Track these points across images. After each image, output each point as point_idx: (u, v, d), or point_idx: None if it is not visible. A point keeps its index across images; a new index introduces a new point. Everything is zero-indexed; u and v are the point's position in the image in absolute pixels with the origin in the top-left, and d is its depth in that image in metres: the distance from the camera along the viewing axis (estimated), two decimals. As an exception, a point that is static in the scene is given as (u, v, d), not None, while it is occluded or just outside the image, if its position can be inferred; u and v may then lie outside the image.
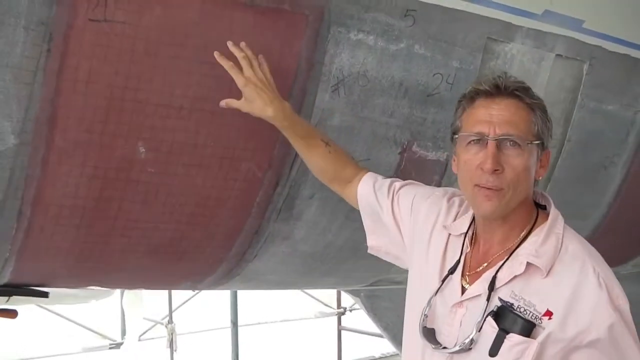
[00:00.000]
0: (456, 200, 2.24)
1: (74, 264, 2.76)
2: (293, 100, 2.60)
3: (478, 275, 1.99)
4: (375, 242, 2.53)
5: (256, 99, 2.35)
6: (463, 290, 2.00)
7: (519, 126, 1.91)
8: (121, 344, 8.55)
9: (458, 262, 2.06)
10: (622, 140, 3.94)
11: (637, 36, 3.68)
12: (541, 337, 1.82)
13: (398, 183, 2.44)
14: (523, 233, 1.97)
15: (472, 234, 2.09)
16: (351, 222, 3.06)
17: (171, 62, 2.39)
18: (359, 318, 7.80)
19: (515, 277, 1.90)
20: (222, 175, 2.67)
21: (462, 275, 2.03)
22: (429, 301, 2.06)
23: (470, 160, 1.94)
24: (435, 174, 3.16)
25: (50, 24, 2.17)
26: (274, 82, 2.45)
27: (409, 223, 2.32)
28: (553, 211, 2.01)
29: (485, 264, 1.99)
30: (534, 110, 1.96)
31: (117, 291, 7.52)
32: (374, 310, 4.63)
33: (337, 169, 2.52)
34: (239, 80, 2.35)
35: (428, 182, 3.08)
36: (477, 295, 1.95)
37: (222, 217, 2.81)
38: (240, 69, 2.36)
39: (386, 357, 9.95)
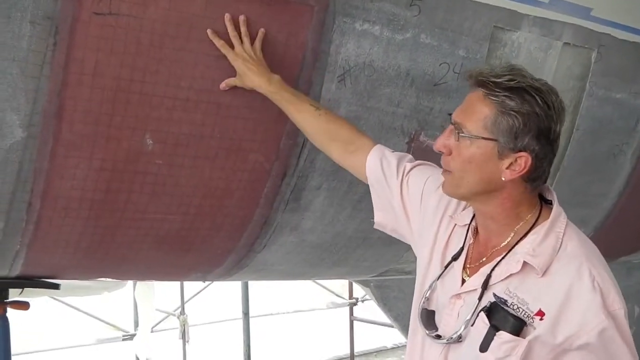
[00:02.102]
0: None
1: (84, 256, 2.78)
2: (299, 90, 2.60)
3: (477, 268, 1.98)
4: (382, 219, 2.49)
5: (245, 72, 2.42)
6: (463, 281, 2.00)
7: (471, 118, 1.88)
8: (134, 335, 8.58)
9: (461, 250, 2.06)
10: (632, 129, 3.93)
11: (645, 23, 3.67)
12: (531, 336, 1.80)
13: (409, 164, 2.38)
14: (521, 229, 1.94)
15: (475, 225, 2.07)
16: (359, 212, 3.07)
17: (177, 54, 2.40)
18: (371, 308, 7.80)
19: (511, 275, 1.88)
20: (230, 167, 2.69)
21: (464, 267, 2.03)
22: (431, 285, 2.08)
23: None
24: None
25: (56, 18, 2.18)
26: (281, 73, 2.47)
27: (419, 212, 2.29)
28: (556, 208, 1.95)
29: (484, 258, 1.98)
30: (496, 106, 1.86)
31: (130, 283, 7.55)
32: (384, 301, 4.64)
33: (330, 129, 2.46)
34: (229, 56, 2.43)
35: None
36: (473, 290, 1.94)
37: (230, 208, 2.82)
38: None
39: (398, 347, 9.96)
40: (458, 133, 1.90)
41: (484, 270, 1.94)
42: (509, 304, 1.85)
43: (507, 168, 1.87)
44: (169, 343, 9.15)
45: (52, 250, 2.68)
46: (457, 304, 1.98)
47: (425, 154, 3.03)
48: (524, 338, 1.81)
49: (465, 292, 1.97)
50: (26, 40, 2.17)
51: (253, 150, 2.69)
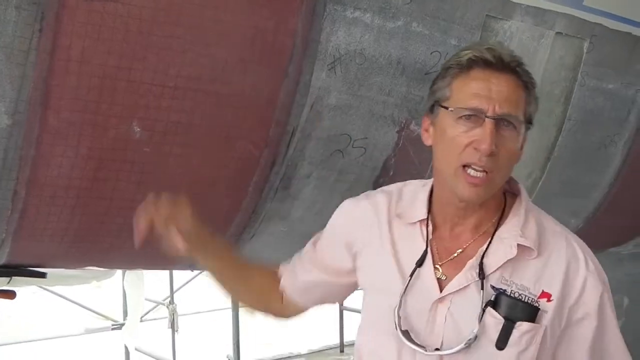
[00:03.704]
0: (394, 189, 2.03)
1: (71, 244, 2.75)
2: (289, 79, 2.58)
3: (455, 264, 1.83)
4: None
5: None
6: (440, 282, 1.82)
7: (518, 105, 1.74)
8: (123, 324, 8.57)
9: (425, 252, 1.85)
10: (623, 119, 3.92)
11: (639, 14, 3.65)
12: (546, 320, 1.75)
13: (307, 252, 2.23)
14: (497, 215, 1.85)
15: (429, 218, 1.90)
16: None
17: (165, 41, 2.37)
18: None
19: (507, 261, 1.78)
20: (218, 155, 2.66)
21: (434, 267, 1.84)
22: (400, 300, 1.82)
23: (459, 137, 1.73)
24: (434, 153, 3.16)
25: (42, 3, 2.15)
26: (270, 61, 2.45)
27: (347, 250, 2.06)
28: (523, 190, 1.89)
29: (460, 250, 1.84)
30: (529, 89, 1.79)
31: (119, 272, 7.53)
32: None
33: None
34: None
35: (425, 161, 3.06)
36: (464, 287, 1.79)
37: (219, 197, 2.80)
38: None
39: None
40: (509, 125, 1.74)
41: (472, 262, 1.80)
42: (509, 293, 1.76)
43: (520, 150, 1.81)
44: (158, 332, 9.15)
45: (39, 238, 2.65)
46: (441, 308, 1.80)
47: (415, 143, 3.01)
48: (540, 324, 1.75)
49: (453, 292, 1.80)
50: (11, 26, 2.14)
51: (241, 138, 2.67)
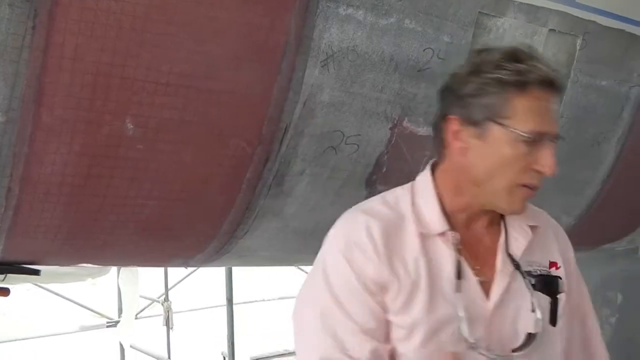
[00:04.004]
0: (405, 203, 1.85)
1: (64, 241, 2.75)
2: (282, 75, 2.58)
3: (484, 261, 1.81)
4: None
5: None
6: (482, 285, 1.77)
7: (559, 123, 1.76)
8: (118, 322, 8.56)
9: (459, 263, 1.76)
10: (616, 116, 3.92)
11: (632, 11, 3.65)
12: (564, 285, 1.83)
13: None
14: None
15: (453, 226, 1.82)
16: (342, 198, 3.05)
17: (158, 38, 2.37)
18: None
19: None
20: (211, 152, 2.67)
21: (474, 273, 1.78)
22: (459, 320, 1.72)
23: (520, 159, 1.69)
24: (426, 150, 3.15)
25: (35, 1, 2.15)
26: (263, 58, 2.44)
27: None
28: None
29: (483, 249, 1.83)
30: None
31: (114, 269, 7.52)
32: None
33: None
34: None
35: (419, 158, 3.06)
36: (507, 284, 1.78)
37: (212, 194, 2.80)
38: None
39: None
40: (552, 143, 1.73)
41: (501, 257, 1.80)
42: (535, 272, 1.81)
43: None
44: (153, 330, 9.14)
45: (33, 235, 2.65)
46: (496, 311, 1.77)
47: (408, 140, 3.02)
48: (564, 291, 1.83)
49: (503, 292, 1.78)
50: (4, 23, 2.14)
51: (235, 135, 2.67)
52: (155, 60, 2.40)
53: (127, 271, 7.54)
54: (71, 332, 9.18)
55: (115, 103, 2.40)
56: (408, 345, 1.72)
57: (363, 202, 1.91)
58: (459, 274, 1.75)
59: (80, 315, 9.38)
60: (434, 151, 1.86)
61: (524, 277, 1.78)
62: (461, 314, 1.71)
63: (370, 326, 1.70)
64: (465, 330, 1.71)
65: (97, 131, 2.43)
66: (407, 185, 1.88)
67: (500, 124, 1.70)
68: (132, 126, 2.47)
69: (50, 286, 8.65)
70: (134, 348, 8.38)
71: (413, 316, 1.72)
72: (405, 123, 3.01)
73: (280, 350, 9.23)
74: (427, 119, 3.04)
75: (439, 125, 1.81)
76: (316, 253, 3.51)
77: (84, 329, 9.10)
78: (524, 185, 1.72)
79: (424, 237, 1.78)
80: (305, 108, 2.74)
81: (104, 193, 2.59)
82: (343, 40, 2.71)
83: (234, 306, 8.77)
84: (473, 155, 1.74)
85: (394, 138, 2.98)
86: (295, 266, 8.79)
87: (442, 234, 1.78)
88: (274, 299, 10.77)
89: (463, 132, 1.75)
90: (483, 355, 1.71)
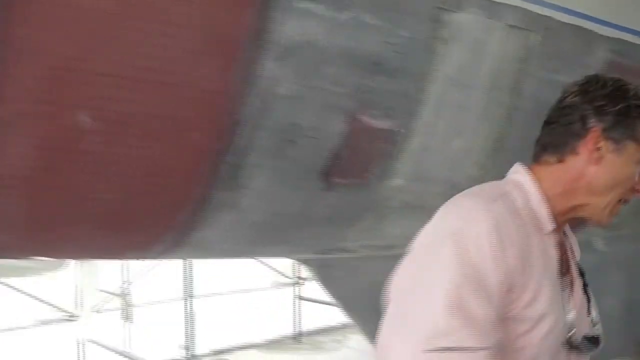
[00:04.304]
0: (518, 200, 1.87)
1: (21, 235, 2.73)
2: (240, 69, 2.57)
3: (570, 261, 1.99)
4: None
5: None
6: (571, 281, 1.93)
7: None
8: (76, 316, 8.49)
9: (562, 259, 1.89)
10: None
11: (589, 7, 3.70)
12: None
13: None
14: None
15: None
16: (300, 190, 3.06)
17: (117, 32, 2.36)
18: (317, 287, 7.82)
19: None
20: (169, 145, 2.65)
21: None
22: (567, 313, 1.85)
23: (631, 176, 1.85)
24: (386, 143, 3.17)
25: (-9, -7, 2.12)
26: (221, 52, 2.43)
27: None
28: None
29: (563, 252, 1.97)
30: None
31: (72, 263, 7.46)
32: (327, 280, 4.64)
33: None
34: None
35: (379, 151, 3.08)
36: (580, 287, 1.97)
37: (169, 187, 2.79)
38: None
39: (345, 326, 9.99)
40: None
41: (574, 263, 1.99)
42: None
43: None
44: (111, 324, 9.07)
45: (-11, 229, 2.63)
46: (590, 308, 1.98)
47: (366, 133, 3.03)
48: None
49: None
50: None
51: (192, 128, 2.66)
52: (114, 54, 2.38)
53: (86, 265, 7.49)
54: (29, 327, 9.09)
55: (74, 97, 2.39)
56: (531, 338, 1.76)
57: (476, 191, 1.87)
58: (563, 272, 1.86)
59: (37, 309, 9.28)
60: (549, 147, 1.89)
61: (584, 285, 1.95)
62: (573, 312, 1.84)
63: (496, 315, 1.69)
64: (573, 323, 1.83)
65: (56, 125, 2.40)
66: (509, 183, 1.90)
67: (638, 143, 1.83)
68: (90, 120, 2.45)
69: (8, 280, 8.56)
70: (92, 342, 8.32)
71: (541, 308, 1.75)
72: (363, 117, 3.01)
73: (240, 343, 9.22)
74: (386, 112, 3.06)
75: (575, 132, 1.86)
76: (273, 245, 3.52)
77: (42, 323, 9.01)
78: (623, 201, 1.87)
79: (541, 235, 1.83)
80: (263, 101, 2.73)
81: (62, 186, 2.57)
82: (301, 34, 2.71)
83: (194, 299, 8.75)
84: (604, 166, 1.83)
85: (352, 132, 2.99)
86: (254, 259, 8.78)
87: (550, 233, 1.84)
88: (235, 292, 10.74)
89: (602, 143, 1.82)
90: (581, 349, 1.85)
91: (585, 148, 1.83)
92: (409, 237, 1.87)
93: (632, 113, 1.83)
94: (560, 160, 1.86)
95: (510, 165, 1.95)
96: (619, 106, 1.82)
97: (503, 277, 1.66)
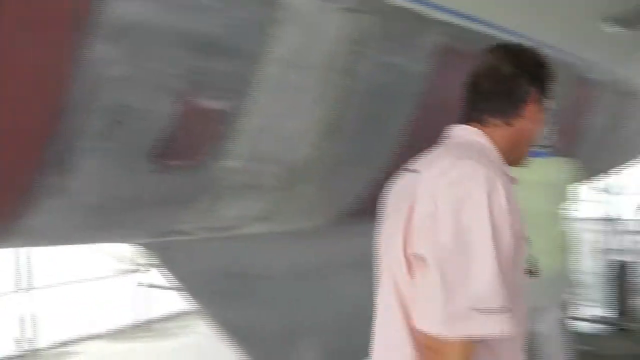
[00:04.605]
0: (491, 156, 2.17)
1: None
2: (67, 50, 2.49)
3: None
4: None
5: None
6: None
7: None
8: None
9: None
10: (407, 92, 4.08)
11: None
12: None
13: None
14: None
15: None
16: (132, 173, 3.00)
17: None
18: (157, 274, 7.73)
19: None
20: (-7, 128, 2.54)
21: None
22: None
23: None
24: (220, 124, 3.15)
25: None
26: (48, 34, 2.35)
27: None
28: None
29: None
30: None
31: None
32: (167, 264, 4.58)
33: None
34: None
35: (212, 133, 3.06)
36: None
37: (-5, 173, 2.67)
38: None
39: (191, 311, 9.93)
40: None
41: None
42: None
43: None
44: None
45: None
46: None
47: (199, 114, 3.00)
48: None
49: None
50: None
51: (20, 112, 2.56)
52: None
53: None
54: None
55: None
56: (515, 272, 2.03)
57: (465, 155, 2.05)
58: None
59: None
60: (496, 114, 2.15)
61: None
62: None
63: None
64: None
65: None
66: (474, 144, 2.15)
67: (549, 101, 2.23)
68: None
69: None
70: None
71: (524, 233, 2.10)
72: (196, 97, 2.98)
73: (85, 333, 9.03)
74: (219, 93, 3.04)
75: (518, 98, 2.17)
76: (109, 229, 3.43)
77: None
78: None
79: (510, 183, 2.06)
80: (92, 83, 2.66)
81: None
82: (132, 14, 2.65)
83: (34, 291, 8.51)
84: (537, 122, 2.21)
85: (185, 112, 2.96)
86: (89, 244, 8.60)
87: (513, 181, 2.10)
88: (74, 282, 10.45)
89: (538, 103, 2.20)
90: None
91: (528, 110, 2.17)
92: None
93: (548, 76, 2.24)
94: (508, 123, 2.17)
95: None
96: (543, 71, 2.22)
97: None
